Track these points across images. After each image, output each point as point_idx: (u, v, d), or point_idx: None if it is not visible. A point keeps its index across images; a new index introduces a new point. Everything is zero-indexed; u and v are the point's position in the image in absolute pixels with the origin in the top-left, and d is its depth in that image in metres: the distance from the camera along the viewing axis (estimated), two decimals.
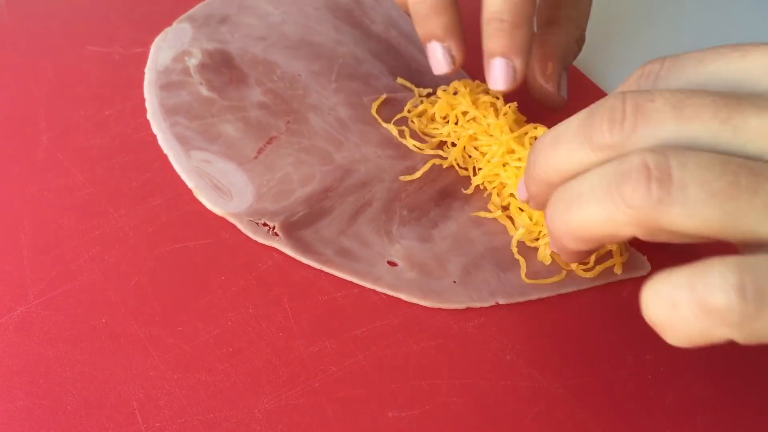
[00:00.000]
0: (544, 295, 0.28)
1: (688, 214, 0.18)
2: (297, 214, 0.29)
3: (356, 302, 0.27)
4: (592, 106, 0.21)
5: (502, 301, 0.28)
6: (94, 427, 0.22)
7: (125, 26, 0.37)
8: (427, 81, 0.36)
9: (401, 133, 0.34)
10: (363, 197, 0.31)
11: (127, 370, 0.24)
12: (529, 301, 0.28)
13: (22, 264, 0.26)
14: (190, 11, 0.38)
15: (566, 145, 0.22)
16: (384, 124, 0.34)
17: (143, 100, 0.33)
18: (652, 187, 0.19)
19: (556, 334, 0.27)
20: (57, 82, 0.33)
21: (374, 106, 0.35)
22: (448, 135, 0.33)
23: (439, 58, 0.30)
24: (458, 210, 0.31)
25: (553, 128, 0.23)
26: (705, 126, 0.19)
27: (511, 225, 0.30)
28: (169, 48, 0.36)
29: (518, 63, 0.29)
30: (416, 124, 0.34)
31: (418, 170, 0.32)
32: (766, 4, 0.49)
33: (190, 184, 0.30)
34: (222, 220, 0.29)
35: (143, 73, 0.34)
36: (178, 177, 0.30)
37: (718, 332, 0.18)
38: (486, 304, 0.28)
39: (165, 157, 0.31)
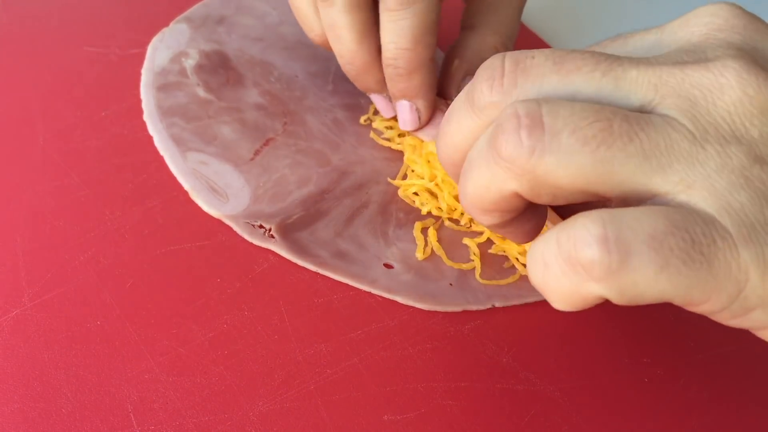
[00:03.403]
0: (541, 298, 0.28)
1: (561, 163, 0.18)
2: (293, 216, 0.29)
3: (352, 305, 0.27)
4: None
5: (498, 304, 0.28)
6: (88, 430, 0.22)
7: (122, 27, 0.37)
8: None
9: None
10: (359, 199, 0.30)
11: (121, 373, 0.24)
12: (526, 304, 0.28)
13: (17, 266, 0.26)
14: (188, 12, 0.38)
15: (456, 115, 0.21)
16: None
17: (140, 101, 0.33)
18: (522, 135, 0.18)
19: (552, 338, 0.27)
20: (53, 83, 0.33)
21: (371, 108, 0.35)
22: (392, 140, 0.33)
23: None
24: None
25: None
26: (586, 78, 0.19)
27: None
28: (166, 49, 0.36)
29: (420, 104, 0.30)
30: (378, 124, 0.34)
31: None
32: (763, 3, 0.49)
33: (186, 186, 0.30)
34: (218, 222, 0.29)
35: (140, 74, 0.34)
36: (174, 179, 0.30)
37: (588, 288, 0.17)
38: (482, 307, 0.28)
39: (161, 158, 0.31)
